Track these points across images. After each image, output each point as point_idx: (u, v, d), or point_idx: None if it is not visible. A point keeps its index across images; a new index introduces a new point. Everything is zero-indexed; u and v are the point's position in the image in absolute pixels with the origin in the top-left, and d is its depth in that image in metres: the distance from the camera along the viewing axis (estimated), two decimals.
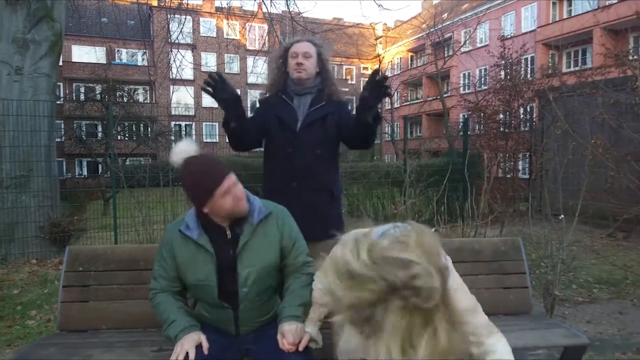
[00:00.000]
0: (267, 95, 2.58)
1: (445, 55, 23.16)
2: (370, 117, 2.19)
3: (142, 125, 19.66)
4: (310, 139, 2.38)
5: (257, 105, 2.61)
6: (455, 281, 1.44)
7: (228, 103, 2.26)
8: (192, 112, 30.86)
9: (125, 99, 21.00)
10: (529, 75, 14.88)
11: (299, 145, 2.38)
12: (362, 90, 2.15)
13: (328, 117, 2.41)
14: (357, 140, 2.41)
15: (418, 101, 32.47)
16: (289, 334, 1.74)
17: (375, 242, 1.03)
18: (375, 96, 2.13)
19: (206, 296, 1.85)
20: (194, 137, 26.17)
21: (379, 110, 2.22)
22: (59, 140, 20.13)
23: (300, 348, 1.71)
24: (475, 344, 1.42)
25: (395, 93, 27.42)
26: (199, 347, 1.74)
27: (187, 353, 1.70)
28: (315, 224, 2.01)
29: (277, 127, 2.41)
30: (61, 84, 27.63)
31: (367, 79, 2.14)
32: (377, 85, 2.09)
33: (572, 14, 24.14)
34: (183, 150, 1.79)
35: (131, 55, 32.74)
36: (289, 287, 1.90)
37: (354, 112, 2.40)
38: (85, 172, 27.02)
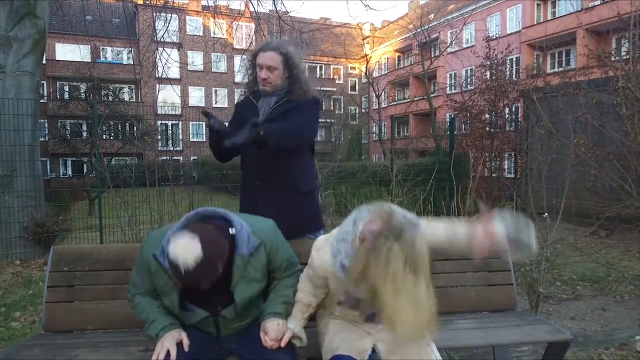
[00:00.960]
0: (242, 98, 2.61)
1: (432, 56, 23.32)
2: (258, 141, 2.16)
3: (127, 124, 19.46)
4: None
5: (235, 109, 2.62)
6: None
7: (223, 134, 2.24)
8: (178, 111, 30.64)
9: (110, 98, 20.76)
10: (514, 76, 15.06)
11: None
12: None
13: (288, 113, 2.39)
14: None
15: (405, 101, 32.64)
16: (271, 330, 1.75)
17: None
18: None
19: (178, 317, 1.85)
20: (180, 136, 25.95)
21: (262, 137, 2.15)
22: (42, 139, 19.83)
23: (282, 344, 1.72)
24: None
25: (383, 93, 27.47)
26: (180, 344, 1.74)
27: (168, 351, 1.70)
28: (285, 222, 1.99)
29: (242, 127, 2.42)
30: (45, 82, 27.24)
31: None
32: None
33: (556, 16, 24.48)
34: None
35: (116, 54, 32.37)
36: (274, 288, 1.91)
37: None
38: (69, 172, 26.67)
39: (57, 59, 30.22)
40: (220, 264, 1.60)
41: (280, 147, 2.23)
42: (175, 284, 1.72)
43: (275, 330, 1.74)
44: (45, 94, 27.25)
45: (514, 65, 22.88)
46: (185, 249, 1.51)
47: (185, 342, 1.76)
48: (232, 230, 1.73)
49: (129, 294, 1.90)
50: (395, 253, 1.38)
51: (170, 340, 1.73)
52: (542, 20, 25.17)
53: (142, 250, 1.81)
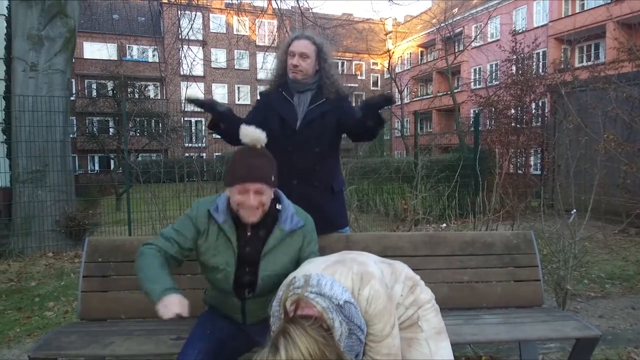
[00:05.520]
0: (269, 88, 2.57)
1: (456, 50, 23.01)
2: (371, 123, 2.22)
3: (153, 121, 19.81)
4: (309, 136, 2.39)
5: (259, 97, 2.60)
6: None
7: (223, 115, 2.31)
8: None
9: (136, 95, 21.17)
10: (540, 70, 14.77)
11: (299, 143, 2.39)
12: (370, 100, 2.17)
13: (328, 113, 2.41)
14: (359, 137, 2.45)
15: (428, 96, 32.33)
16: None
17: None
18: (375, 113, 2.19)
19: (221, 282, 1.88)
20: (203, 132, 26.35)
21: (381, 116, 2.22)
22: (71, 136, 20.35)
23: None
24: None
25: (406, 88, 27.27)
26: (208, 335, 1.79)
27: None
28: (318, 220, 2.03)
29: (278, 125, 2.41)
30: (73, 80, 27.92)
31: (376, 95, 2.17)
32: (380, 106, 2.15)
33: (585, 8, 23.84)
34: (252, 134, 1.81)
35: (142, 52, 32.96)
36: None
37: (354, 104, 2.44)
38: (97, 168, 27.31)
39: (84, 57, 30.92)
40: (274, 177, 1.79)
41: (373, 134, 2.32)
42: (230, 239, 1.80)
43: None
44: (74, 91, 27.91)
45: (541, 60, 22.43)
46: (257, 131, 1.79)
47: (185, 310, 1.63)
48: (278, 206, 1.85)
49: (144, 246, 1.82)
50: None
51: (175, 304, 1.61)
52: (570, 13, 24.57)
53: (192, 209, 1.87)
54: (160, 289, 1.66)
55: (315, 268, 1.60)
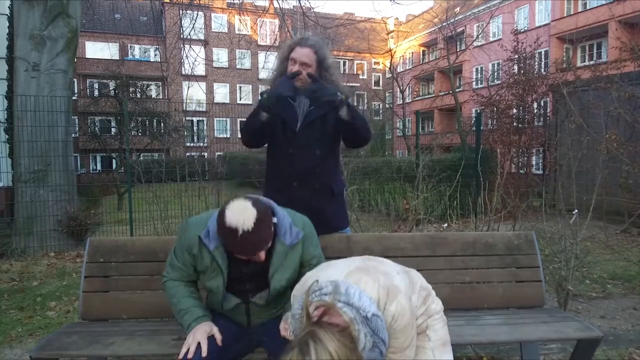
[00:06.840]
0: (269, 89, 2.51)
1: (458, 50, 22.98)
2: (344, 114, 2.22)
3: (155, 120, 19.83)
4: (310, 138, 2.37)
5: (260, 99, 2.52)
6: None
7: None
8: (204, 108, 31.04)
9: (138, 95, 21.21)
10: (542, 70, 14.75)
11: (299, 145, 2.38)
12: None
13: (328, 114, 2.38)
14: (349, 140, 2.44)
15: (430, 96, 32.30)
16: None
17: None
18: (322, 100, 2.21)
19: (215, 301, 1.91)
20: (205, 131, 26.32)
21: (349, 104, 2.23)
22: (73, 135, 20.38)
23: None
24: None
25: (407, 88, 27.22)
26: (211, 337, 1.78)
27: (198, 343, 1.74)
28: (317, 222, 2.03)
29: (279, 127, 2.40)
30: (75, 80, 27.96)
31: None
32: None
33: (587, 7, 23.80)
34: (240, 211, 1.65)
35: (143, 52, 33.01)
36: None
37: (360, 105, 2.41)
38: (99, 167, 27.35)
39: (86, 56, 30.97)
40: (271, 231, 1.69)
41: (358, 130, 2.33)
42: (220, 267, 1.79)
43: None
44: (76, 91, 27.95)
45: (543, 59, 22.40)
46: (242, 210, 1.61)
47: (218, 337, 1.79)
48: (274, 219, 1.79)
49: (163, 278, 1.94)
50: None
51: (202, 333, 1.76)
52: (572, 13, 24.52)
53: (182, 234, 1.86)
54: (189, 320, 1.82)
55: (337, 273, 1.60)
